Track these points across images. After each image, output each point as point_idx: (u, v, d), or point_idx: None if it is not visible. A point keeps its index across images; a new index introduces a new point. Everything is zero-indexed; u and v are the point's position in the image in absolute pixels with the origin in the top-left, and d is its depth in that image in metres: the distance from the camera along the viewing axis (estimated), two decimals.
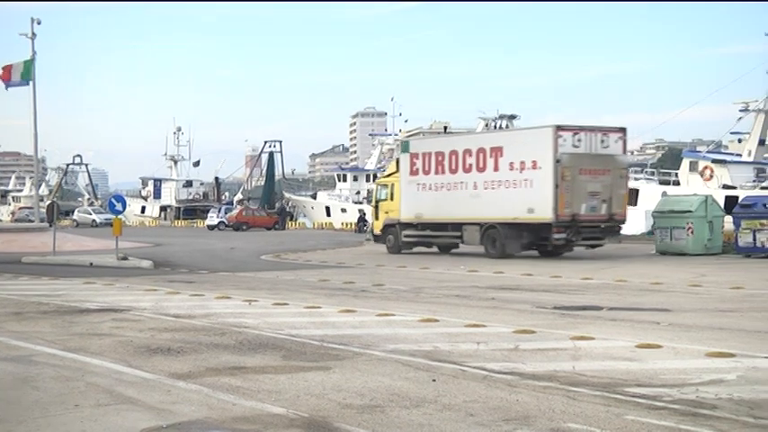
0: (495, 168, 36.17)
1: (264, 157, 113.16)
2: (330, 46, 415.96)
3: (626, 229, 50.06)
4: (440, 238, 39.57)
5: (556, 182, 33.31)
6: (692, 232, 35.76)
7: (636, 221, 52.58)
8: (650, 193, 56.48)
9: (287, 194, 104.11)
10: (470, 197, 36.96)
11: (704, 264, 30.89)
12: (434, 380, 9.98)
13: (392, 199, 41.93)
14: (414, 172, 40.08)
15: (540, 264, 31.87)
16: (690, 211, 36.50)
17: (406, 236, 40.45)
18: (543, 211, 33.88)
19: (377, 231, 43.68)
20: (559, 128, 34.80)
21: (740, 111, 66.07)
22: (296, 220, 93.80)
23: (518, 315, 16.32)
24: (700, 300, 19.57)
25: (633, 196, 60.49)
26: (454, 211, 37.76)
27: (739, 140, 66.60)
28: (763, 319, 16.02)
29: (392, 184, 42.54)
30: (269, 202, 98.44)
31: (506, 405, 8.65)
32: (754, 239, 33.99)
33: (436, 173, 38.96)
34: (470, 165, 37.33)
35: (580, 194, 33.89)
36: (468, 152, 37.82)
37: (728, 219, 37.43)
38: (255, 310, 17.40)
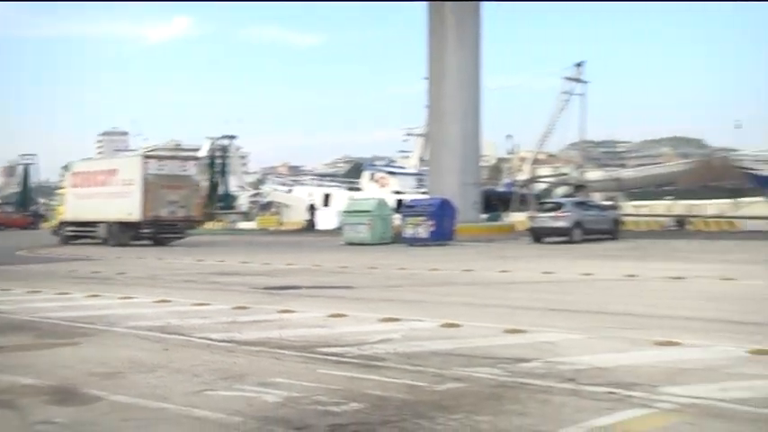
0: (113, 184, 41.56)
1: (20, 168, 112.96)
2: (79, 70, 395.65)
3: (321, 225, 51.45)
4: (88, 233, 43.40)
5: (143, 193, 39.09)
6: (370, 227, 36.92)
7: (329, 219, 53.86)
8: (340, 197, 58.17)
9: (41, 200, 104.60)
10: (101, 204, 41.71)
11: (379, 251, 31.95)
12: (167, 349, 9.82)
13: (63, 204, 46.84)
14: (73, 185, 45.73)
15: (256, 254, 31.95)
16: (369, 211, 37.83)
17: (68, 231, 44.91)
18: (136, 214, 39.38)
19: (54, 227, 48.50)
20: (147, 157, 44.32)
21: (406, 135, 68.62)
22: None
23: (236, 295, 16.25)
24: (375, 278, 20.21)
25: (326, 200, 62.01)
26: (93, 213, 42.39)
27: (406, 157, 69.14)
28: (419, 292, 16.80)
29: (63, 194, 47.71)
30: (24, 206, 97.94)
31: (226, 366, 8.65)
32: (415, 232, 35.56)
33: (84, 186, 44.27)
34: (102, 180, 42.71)
35: (162, 202, 39.55)
36: (101, 172, 43.72)
37: (397, 216, 39.01)
38: (10, 298, 16.42)
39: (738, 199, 53.90)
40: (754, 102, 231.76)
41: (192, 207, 41.48)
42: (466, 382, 7.82)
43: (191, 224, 43.09)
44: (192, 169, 42.77)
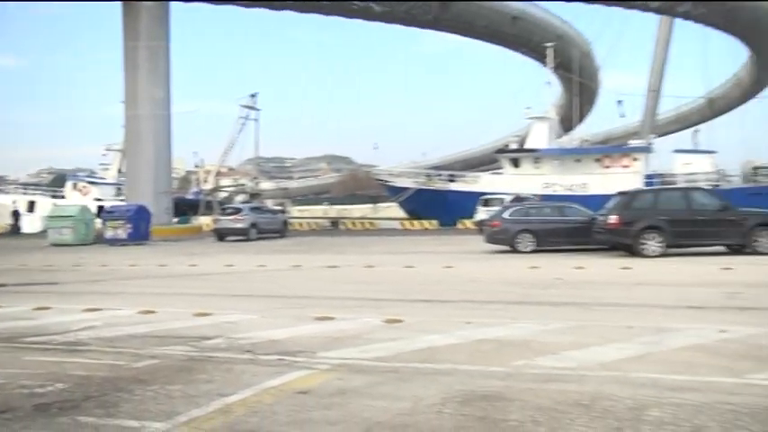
0: None
1: None
2: None
3: (27, 230, 47.44)
4: None
5: None
6: (73, 230, 34.83)
7: (34, 224, 49.86)
8: (44, 204, 54.10)
9: None
10: None
11: (83, 251, 30.00)
12: None
13: None
14: None
15: None
16: (72, 216, 35.64)
17: None
18: None
19: None
20: None
21: (105, 150, 65.15)
22: None
23: None
24: (79, 275, 18.99)
25: (31, 206, 57.34)
26: None
27: (106, 169, 65.71)
28: (119, 285, 16.07)
29: None
30: None
31: None
32: (115, 233, 34.05)
33: None
34: None
35: None
36: None
37: (99, 220, 37.13)
38: None
39: (377, 204, 57.03)
40: (388, 128, 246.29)
41: None
42: (160, 358, 7.68)
43: None
44: None
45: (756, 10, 52.87)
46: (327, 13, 48.67)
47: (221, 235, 36.19)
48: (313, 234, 43.78)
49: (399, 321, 9.66)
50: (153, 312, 10.97)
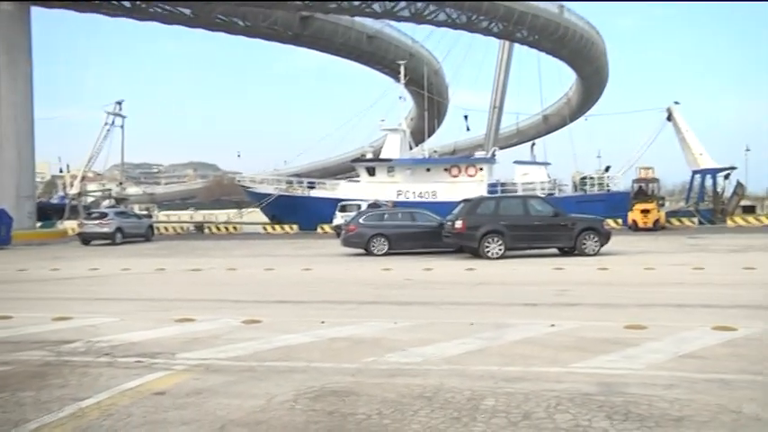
0: None
1: None
2: None
3: None
4: None
5: None
6: None
7: None
8: None
9: None
10: None
11: None
12: None
13: None
14: None
15: None
16: None
17: None
18: None
19: None
20: None
21: None
22: None
23: None
24: None
25: None
26: None
27: None
28: None
29: None
30: None
31: None
32: None
33: None
34: None
35: None
36: None
37: None
38: None
39: (241, 209, 56.09)
40: (254, 137, 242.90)
41: None
42: (14, 365, 7.18)
43: None
44: None
45: (581, 39, 56.01)
46: (191, 25, 47.42)
47: (86, 239, 34.44)
48: (178, 238, 42.45)
49: (258, 322, 9.51)
50: (9, 318, 10.26)
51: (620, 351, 7.37)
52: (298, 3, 44.27)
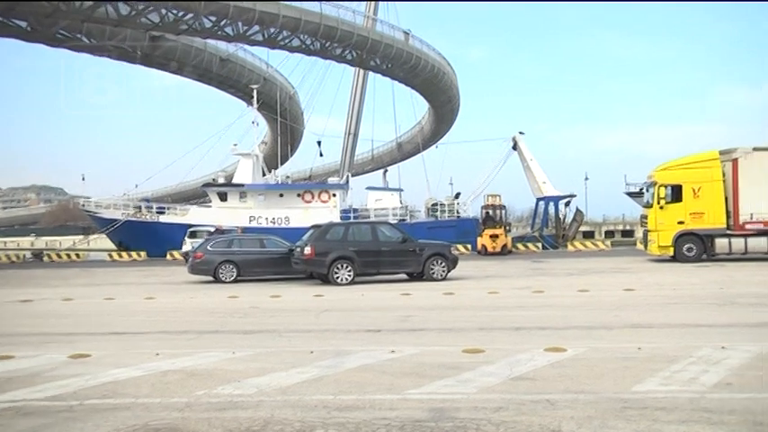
0: None
1: None
2: None
3: None
4: None
5: None
6: None
7: None
8: None
9: None
10: None
11: None
12: None
13: None
14: None
15: None
16: None
17: None
18: None
19: None
20: None
21: None
22: None
23: None
24: None
25: None
26: None
27: None
28: None
29: None
30: None
31: None
32: None
33: None
34: None
35: None
36: None
37: None
38: None
39: (88, 235, 53.46)
40: (104, 161, 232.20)
41: None
42: None
43: None
44: None
45: (432, 69, 57.76)
46: (29, 40, 44.80)
47: None
48: (13, 267, 39.71)
49: (86, 356, 8.95)
50: None
51: (456, 375, 7.48)
52: (147, 22, 42.93)
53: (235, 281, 21.84)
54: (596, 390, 6.74)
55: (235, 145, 47.46)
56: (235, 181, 46.51)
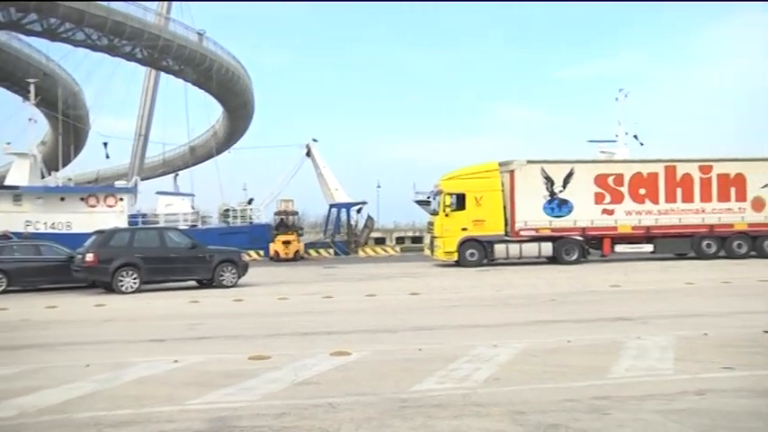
0: None
1: None
2: None
3: None
4: None
5: None
6: None
7: None
8: None
9: None
10: None
11: None
12: None
13: None
14: None
15: None
16: None
17: None
18: None
19: None
20: None
21: None
22: None
23: None
24: None
25: None
26: None
27: None
28: None
29: None
30: None
31: None
32: None
33: None
34: None
35: None
36: None
37: None
38: None
39: None
40: None
41: None
42: None
43: None
44: None
45: (227, 72, 56.86)
46: None
47: None
48: None
49: None
50: None
51: (240, 383, 7.37)
52: None
53: (4, 291, 20.09)
54: (377, 391, 6.92)
55: (8, 144, 43.76)
56: (8, 183, 42.85)
